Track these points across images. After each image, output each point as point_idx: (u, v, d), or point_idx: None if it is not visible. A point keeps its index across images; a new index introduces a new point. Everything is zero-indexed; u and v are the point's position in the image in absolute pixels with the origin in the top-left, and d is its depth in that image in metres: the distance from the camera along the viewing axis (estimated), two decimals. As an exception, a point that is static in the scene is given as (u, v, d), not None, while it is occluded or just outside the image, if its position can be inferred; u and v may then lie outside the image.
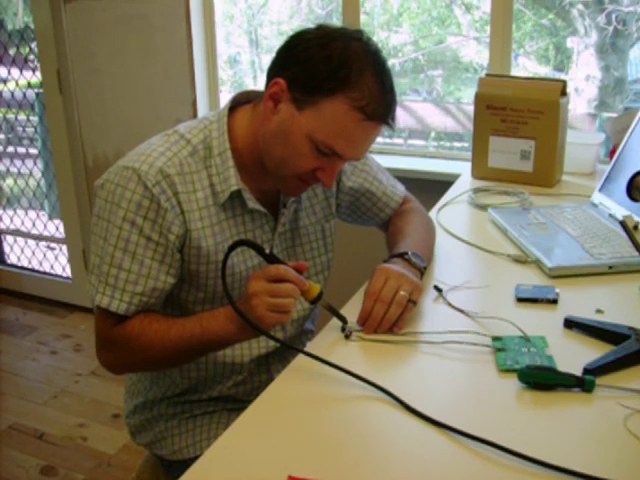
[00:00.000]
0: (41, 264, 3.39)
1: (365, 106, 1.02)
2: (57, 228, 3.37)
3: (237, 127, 1.14)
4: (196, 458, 0.82)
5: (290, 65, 1.05)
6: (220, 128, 1.13)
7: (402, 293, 1.06)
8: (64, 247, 3.22)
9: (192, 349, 1.11)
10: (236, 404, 1.25)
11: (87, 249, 2.97)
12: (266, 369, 1.24)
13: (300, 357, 1.00)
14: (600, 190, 1.57)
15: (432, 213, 1.59)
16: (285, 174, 1.10)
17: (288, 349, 1.24)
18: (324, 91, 1.02)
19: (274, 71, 1.07)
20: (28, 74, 3.14)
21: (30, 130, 3.39)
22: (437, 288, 1.18)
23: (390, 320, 1.06)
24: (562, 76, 2.54)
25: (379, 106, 1.04)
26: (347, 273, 1.85)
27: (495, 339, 1.01)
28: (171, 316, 1.18)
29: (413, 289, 1.08)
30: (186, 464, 0.84)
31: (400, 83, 2.73)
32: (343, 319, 1.07)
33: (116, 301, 1.07)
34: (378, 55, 1.06)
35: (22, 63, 3.17)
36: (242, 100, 1.18)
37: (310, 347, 1.02)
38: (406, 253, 1.18)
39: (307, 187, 1.14)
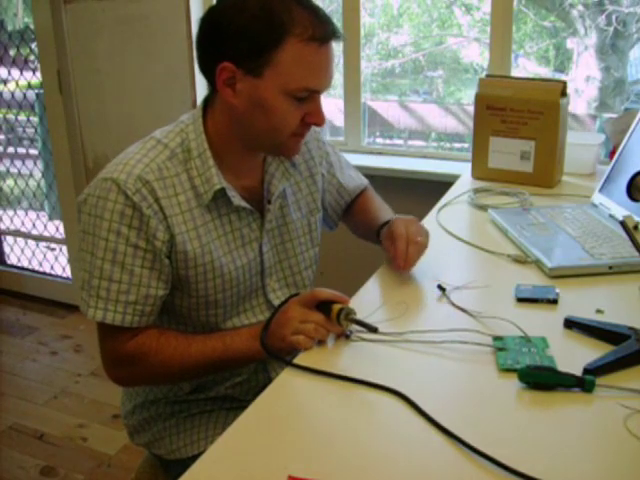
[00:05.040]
0: (41, 265, 3.39)
1: (313, 33, 1.03)
2: (57, 229, 3.37)
3: (211, 126, 1.14)
4: (194, 457, 0.82)
5: (224, 45, 1.05)
6: (197, 129, 1.13)
7: (420, 238, 1.22)
8: (64, 248, 3.22)
9: (213, 365, 1.13)
10: (234, 403, 1.25)
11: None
12: (263, 368, 1.24)
13: (299, 357, 1.00)
14: (600, 190, 1.57)
15: (432, 213, 1.59)
16: (280, 140, 1.10)
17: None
18: (271, 45, 1.02)
19: (211, 61, 1.06)
20: (28, 75, 3.14)
21: (30, 131, 3.39)
22: (441, 287, 1.18)
23: (421, 252, 1.22)
24: (562, 77, 2.54)
25: (322, 27, 1.05)
26: (341, 269, 1.85)
27: (496, 339, 1.01)
28: (167, 323, 1.19)
29: (424, 231, 1.25)
30: (184, 463, 0.84)
31: (400, 84, 2.73)
32: (373, 329, 1.01)
33: (110, 313, 1.07)
34: None
35: (22, 64, 3.17)
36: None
37: (312, 348, 1.02)
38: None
39: (303, 138, 1.15)
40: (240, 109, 1.08)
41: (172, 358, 1.10)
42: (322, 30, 1.04)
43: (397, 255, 1.19)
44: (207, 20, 1.08)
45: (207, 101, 1.16)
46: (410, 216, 1.29)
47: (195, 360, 1.11)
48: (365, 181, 1.50)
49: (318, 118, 1.10)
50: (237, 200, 1.14)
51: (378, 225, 1.33)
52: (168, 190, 1.09)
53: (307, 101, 1.07)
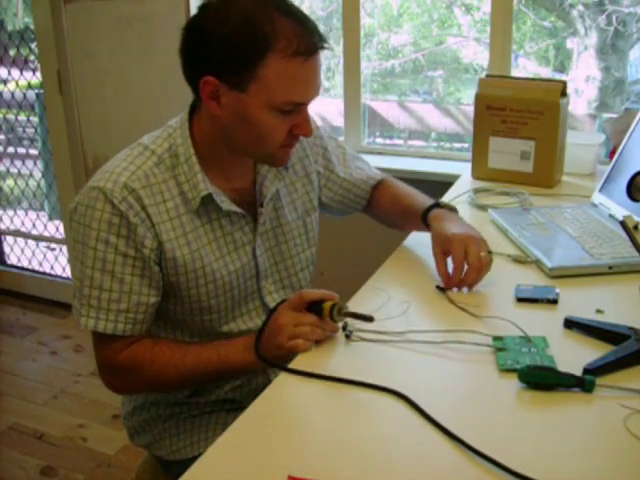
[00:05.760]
0: (41, 265, 3.39)
1: (298, 48, 1.00)
2: (57, 229, 3.37)
3: (197, 131, 1.13)
4: (194, 458, 0.82)
5: (207, 59, 1.02)
6: (183, 134, 1.12)
7: (483, 254, 1.15)
8: (64, 248, 3.22)
9: (208, 376, 1.12)
10: (234, 404, 1.25)
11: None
12: (263, 371, 1.24)
13: (298, 358, 1.00)
14: (600, 190, 1.57)
15: (432, 213, 1.59)
16: (268, 151, 1.09)
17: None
18: (254, 60, 0.99)
19: (195, 73, 1.04)
20: (28, 75, 3.14)
21: (30, 131, 3.39)
22: (440, 288, 1.18)
23: (479, 280, 1.16)
24: (562, 77, 2.54)
25: (307, 39, 1.01)
26: (341, 269, 1.85)
27: (496, 339, 1.01)
28: (163, 329, 1.19)
29: (484, 244, 1.17)
30: (185, 464, 0.84)
31: (400, 84, 2.73)
32: (369, 318, 1.01)
33: (102, 322, 1.07)
34: None
35: (22, 64, 3.17)
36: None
37: (312, 348, 1.02)
38: (437, 204, 1.29)
39: (292, 148, 1.13)
40: (225, 121, 1.06)
41: (167, 368, 1.10)
42: (307, 42, 1.01)
43: (452, 280, 1.17)
44: (189, 30, 1.05)
45: (194, 104, 1.15)
46: (466, 225, 1.24)
47: (190, 371, 1.10)
48: (380, 174, 1.46)
49: (306, 129, 1.09)
50: (226, 205, 1.13)
51: (420, 210, 1.30)
52: (156, 197, 1.08)
53: (294, 113, 1.05)
